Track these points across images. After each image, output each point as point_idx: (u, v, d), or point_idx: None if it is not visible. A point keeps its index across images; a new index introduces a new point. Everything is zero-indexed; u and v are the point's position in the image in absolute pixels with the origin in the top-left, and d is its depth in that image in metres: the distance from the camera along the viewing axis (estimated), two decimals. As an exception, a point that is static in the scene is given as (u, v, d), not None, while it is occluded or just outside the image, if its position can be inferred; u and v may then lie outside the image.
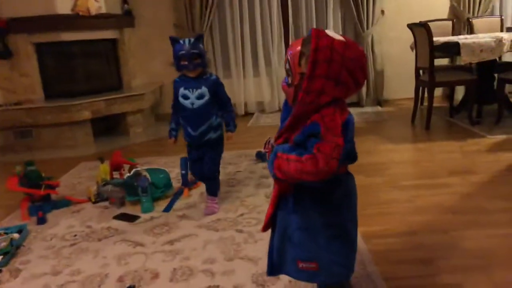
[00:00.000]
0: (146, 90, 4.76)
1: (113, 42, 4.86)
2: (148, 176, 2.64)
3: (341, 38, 1.19)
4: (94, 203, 2.75)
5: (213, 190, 2.56)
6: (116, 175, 3.02)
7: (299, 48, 1.24)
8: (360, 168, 3.07)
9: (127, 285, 1.81)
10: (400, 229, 2.17)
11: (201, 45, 2.36)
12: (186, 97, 2.38)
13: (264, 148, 1.37)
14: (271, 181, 2.91)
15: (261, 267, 1.87)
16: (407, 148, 3.61)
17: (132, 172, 2.66)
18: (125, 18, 4.96)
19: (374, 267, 1.81)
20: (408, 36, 4.57)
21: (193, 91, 2.36)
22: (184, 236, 2.23)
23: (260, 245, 2.07)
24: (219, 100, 2.44)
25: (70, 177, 3.35)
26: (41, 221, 2.50)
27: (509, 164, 2.98)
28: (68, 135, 4.24)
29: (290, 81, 1.29)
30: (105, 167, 2.97)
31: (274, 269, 1.39)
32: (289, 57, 1.27)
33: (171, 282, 1.82)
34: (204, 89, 2.37)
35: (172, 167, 3.26)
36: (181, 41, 2.32)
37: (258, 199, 2.64)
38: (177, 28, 5.20)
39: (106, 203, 2.74)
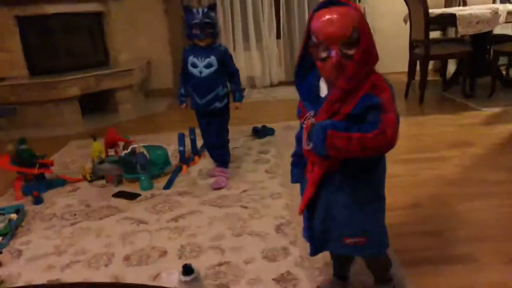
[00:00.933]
0: (134, 66, 4.63)
1: (99, 16, 4.67)
2: (146, 153, 2.57)
3: None
4: (90, 181, 2.68)
5: (221, 160, 2.60)
6: (111, 152, 2.94)
7: (347, 15, 1.13)
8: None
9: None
10: (406, 202, 2.17)
11: (213, 14, 2.35)
12: (194, 65, 2.41)
13: (304, 122, 1.26)
14: (270, 156, 2.90)
15: (270, 242, 1.85)
16: (403, 122, 3.53)
17: (129, 149, 2.59)
18: (110, -10, 4.77)
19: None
20: (399, 9, 4.53)
21: (201, 60, 2.39)
22: (188, 213, 2.19)
23: (266, 220, 2.05)
24: (227, 70, 2.47)
25: (62, 156, 3.25)
26: (38, 201, 2.42)
27: (505, 136, 3.00)
28: (54, 113, 4.10)
29: (353, 51, 1.14)
30: (97, 144, 2.88)
31: (317, 249, 1.35)
32: (332, 29, 1.14)
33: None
34: (212, 58, 2.39)
35: (167, 144, 3.18)
36: (194, 10, 2.32)
37: (259, 175, 2.61)
38: (164, 1, 5.04)
39: (102, 182, 2.66)
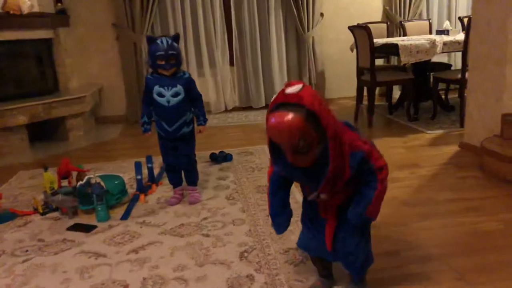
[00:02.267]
0: (86, 93, 4.52)
1: (48, 42, 4.54)
2: (102, 183, 2.50)
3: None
4: (42, 214, 2.56)
5: (193, 180, 2.70)
6: (64, 183, 2.83)
7: (292, 116, 1.23)
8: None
9: None
10: (362, 223, 2.25)
11: (177, 45, 2.39)
12: (161, 95, 2.42)
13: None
14: (229, 182, 2.92)
15: (234, 270, 1.85)
16: (354, 145, 3.74)
17: (84, 180, 2.51)
18: (59, 17, 4.65)
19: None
20: (347, 37, 4.78)
21: (168, 89, 2.42)
22: (148, 243, 2.15)
23: (229, 248, 2.05)
24: (192, 96, 2.52)
25: (10, 188, 3.08)
26: (-15, 237, 2.28)
27: (449, 157, 3.21)
28: (1, 142, 3.90)
29: (304, 148, 1.27)
30: (49, 175, 2.77)
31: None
32: (279, 139, 1.29)
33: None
34: (179, 87, 2.43)
35: (122, 172, 3.13)
36: (158, 41, 2.34)
37: (220, 202, 2.61)
38: (116, 27, 5.00)
39: (56, 214, 2.56)
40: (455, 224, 2.19)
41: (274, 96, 1.30)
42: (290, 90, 1.26)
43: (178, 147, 2.55)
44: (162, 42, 2.33)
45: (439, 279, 1.74)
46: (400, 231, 2.15)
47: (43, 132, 4.40)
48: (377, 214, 1.48)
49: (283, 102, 1.25)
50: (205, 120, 2.63)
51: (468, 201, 2.44)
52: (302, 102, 1.23)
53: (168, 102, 2.41)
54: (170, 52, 2.33)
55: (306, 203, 1.61)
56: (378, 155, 1.43)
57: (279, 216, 1.57)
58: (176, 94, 2.42)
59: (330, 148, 1.27)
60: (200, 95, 2.58)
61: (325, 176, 1.32)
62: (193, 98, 2.53)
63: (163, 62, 2.35)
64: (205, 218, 2.40)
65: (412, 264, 1.85)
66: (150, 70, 2.49)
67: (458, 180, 2.77)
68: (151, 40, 2.38)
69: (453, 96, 4.88)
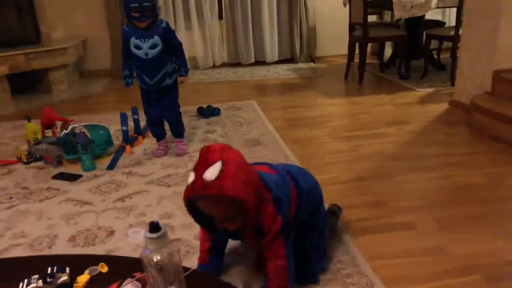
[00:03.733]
0: (69, 44, 4.37)
1: (27, -12, 4.35)
2: (87, 132, 2.46)
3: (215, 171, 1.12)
4: (26, 163, 2.52)
5: (179, 131, 2.66)
6: (48, 133, 2.78)
7: (218, 206, 1.16)
8: (304, 122, 3.16)
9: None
10: (349, 176, 2.26)
11: None
12: (138, 47, 2.33)
13: None
14: (216, 136, 2.89)
15: (220, 218, 1.85)
16: (344, 102, 3.73)
17: (69, 129, 2.46)
18: (40, -38, 4.44)
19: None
20: (340, -8, 4.65)
21: (145, 41, 2.32)
22: (135, 192, 2.14)
23: (216, 197, 2.04)
24: (171, 46, 2.41)
25: (-8, 138, 3.03)
26: (-33, 184, 2.24)
27: (437, 114, 3.21)
28: (-19, 93, 3.81)
29: (234, 223, 1.21)
30: (32, 125, 2.70)
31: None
32: (217, 213, 1.20)
33: (129, 238, 1.74)
34: (156, 39, 2.33)
35: (108, 124, 3.06)
36: None
37: (207, 154, 2.59)
38: (100, -25, 4.79)
39: (40, 163, 2.52)
40: (439, 177, 2.21)
41: (190, 179, 1.15)
42: (209, 175, 1.10)
43: (160, 99, 2.49)
44: None
45: (423, 228, 1.77)
46: (385, 183, 2.16)
47: (26, 84, 4.28)
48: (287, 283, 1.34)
49: (203, 194, 1.13)
50: (187, 71, 2.54)
51: (454, 156, 2.45)
52: (224, 192, 1.10)
53: (146, 54, 2.32)
54: (144, 4, 2.21)
55: None
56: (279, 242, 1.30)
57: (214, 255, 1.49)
58: (153, 46, 2.32)
59: (247, 226, 1.22)
60: (180, 44, 2.47)
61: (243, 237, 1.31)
62: (172, 48, 2.42)
63: (137, 15, 2.24)
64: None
65: (396, 215, 1.87)
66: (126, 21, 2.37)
67: (445, 136, 2.78)
68: None
69: (445, 55, 4.84)
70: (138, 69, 2.41)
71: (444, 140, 2.72)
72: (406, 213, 1.89)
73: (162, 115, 2.56)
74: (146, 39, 2.31)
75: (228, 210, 1.17)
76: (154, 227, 0.88)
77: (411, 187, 2.12)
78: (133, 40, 2.32)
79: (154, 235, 0.88)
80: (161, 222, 0.91)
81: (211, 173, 1.10)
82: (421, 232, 1.75)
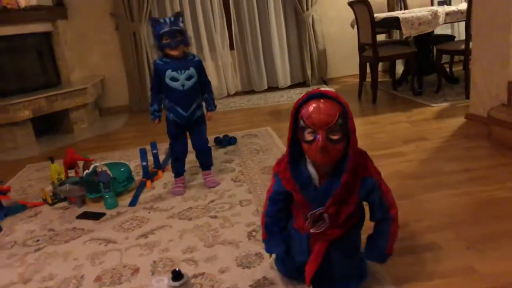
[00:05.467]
0: (88, 84, 4.52)
1: (47, 35, 4.53)
2: (108, 170, 2.51)
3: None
4: (51, 205, 2.59)
5: (208, 163, 2.67)
6: (70, 173, 2.85)
7: (333, 106, 1.28)
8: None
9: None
10: (370, 198, 2.24)
11: (180, 23, 2.35)
12: (175, 79, 2.38)
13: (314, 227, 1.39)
14: (234, 165, 2.92)
15: (243, 249, 1.86)
16: (359, 122, 3.73)
17: (91, 168, 2.53)
18: (57, 10, 4.64)
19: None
20: (346, 15, 4.72)
21: (182, 72, 2.38)
22: (157, 228, 2.16)
23: (237, 228, 2.06)
24: (202, 80, 2.48)
25: (18, 181, 3.11)
26: (-4, 229, 2.31)
27: (455, 128, 3.18)
28: (7, 137, 3.93)
29: (338, 137, 1.28)
30: (56, 166, 2.78)
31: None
32: (320, 116, 1.28)
33: (154, 275, 1.76)
34: (192, 70, 2.40)
35: (127, 160, 3.15)
36: (161, 20, 2.31)
37: (226, 184, 2.62)
38: (114, 17, 4.98)
39: (64, 204, 2.58)
40: (463, 193, 2.18)
41: (305, 93, 1.34)
42: (326, 88, 1.32)
43: (192, 131, 2.53)
44: (165, 20, 2.30)
45: (449, 248, 1.73)
46: (407, 204, 2.14)
47: (49, 126, 4.43)
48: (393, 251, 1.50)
49: (321, 93, 1.29)
50: (215, 106, 2.61)
51: (475, 171, 2.42)
52: (339, 99, 1.29)
53: (183, 85, 2.37)
54: (174, 27, 2.28)
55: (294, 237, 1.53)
56: (388, 189, 1.44)
57: (274, 237, 1.55)
58: (189, 77, 2.39)
59: (349, 155, 1.30)
60: (209, 81, 2.56)
61: (334, 192, 1.33)
62: (203, 83, 2.49)
63: (168, 40, 2.30)
64: (212, 201, 2.40)
65: (422, 235, 1.85)
66: (159, 54, 2.43)
67: (465, 150, 2.75)
68: (155, 21, 2.35)
69: (457, 68, 4.82)
70: (172, 102, 2.43)
71: (464, 154, 2.69)
72: (430, 233, 1.86)
73: (194, 147, 2.58)
74: (183, 70, 2.37)
75: (338, 116, 1.26)
76: (176, 275, 0.90)
77: (433, 206, 2.09)
78: (169, 73, 2.37)
79: (177, 284, 0.90)
80: (183, 268, 0.93)
81: (327, 88, 1.32)
82: (447, 252, 1.71)
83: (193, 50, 5.13)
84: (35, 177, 3.16)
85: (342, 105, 1.28)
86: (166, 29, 2.28)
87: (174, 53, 2.35)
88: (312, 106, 1.27)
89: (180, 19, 2.38)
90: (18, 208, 2.55)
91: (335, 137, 1.27)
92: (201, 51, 5.21)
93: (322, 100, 1.28)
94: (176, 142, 2.55)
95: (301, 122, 1.30)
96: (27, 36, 4.31)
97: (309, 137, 1.28)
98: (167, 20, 2.31)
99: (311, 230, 1.38)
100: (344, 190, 1.32)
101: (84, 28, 4.97)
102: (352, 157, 1.30)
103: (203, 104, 2.57)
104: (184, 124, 2.48)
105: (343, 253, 1.44)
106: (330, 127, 1.26)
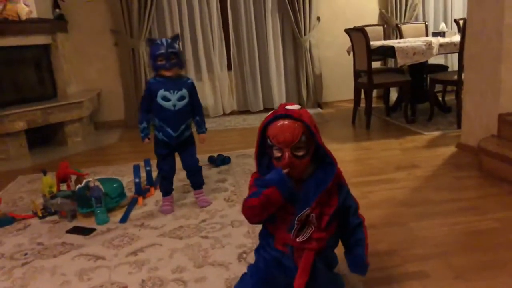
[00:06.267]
0: (84, 98, 4.53)
1: (46, 48, 4.56)
2: (101, 186, 2.51)
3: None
4: (41, 218, 2.57)
5: (199, 182, 2.67)
6: (62, 186, 2.84)
7: (296, 126, 1.40)
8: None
9: None
10: (360, 223, 2.26)
11: (177, 45, 2.39)
12: (166, 99, 2.40)
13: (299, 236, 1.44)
14: (227, 185, 2.92)
15: (233, 271, 1.85)
16: (352, 147, 3.77)
17: (83, 183, 2.52)
18: (57, 23, 4.69)
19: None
20: (343, 41, 4.81)
21: (174, 93, 2.41)
22: (147, 246, 2.15)
23: (228, 249, 2.05)
24: (193, 103, 2.52)
25: (9, 193, 3.09)
26: (-16, 241, 2.28)
27: (446, 157, 3.22)
28: (0, 148, 3.92)
29: (302, 153, 1.41)
30: (48, 179, 2.77)
31: None
32: (284, 136, 1.40)
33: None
34: (184, 91, 2.44)
35: (120, 176, 3.15)
36: (158, 41, 2.36)
37: (218, 204, 2.62)
38: (114, 33, 5.03)
39: (55, 217, 2.56)
40: (452, 223, 2.20)
41: (270, 112, 1.47)
42: (291, 107, 1.42)
43: (181, 151, 2.55)
44: (161, 42, 2.35)
45: (438, 277, 1.75)
46: (397, 231, 2.16)
47: (42, 137, 4.41)
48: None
49: (285, 114, 1.40)
50: (206, 129, 2.64)
51: (465, 201, 2.45)
52: (302, 118, 1.40)
53: (174, 106, 2.40)
54: (169, 50, 2.33)
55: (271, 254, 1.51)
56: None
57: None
58: (181, 98, 2.42)
59: (334, 163, 1.46)
60: (201, 104, 2.60)
61: (320, 192, 1.42)
62: (194, 105, 2.52)
63: (163, 62, 2.34)
64: (203, 220, 2.40)
65: (410, 263, 1.86)
66: (153, 73, 2.47)
67: (455, 180, 2.79)
68: (152, 42, 2.39)
69: (450, 98, 4.91)
70: (162, 122, 2.44)
71: (454, 184, 2.72)
72: (419, 261, 1.87)
73: (184, 167, 2.59)
74: (176, 91, 2.40)
75: (301, 134, 1.38)
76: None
77: (424, 234, 2.11)
78: (162, 92, 2.39)
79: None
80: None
81: (292, 106, 1.43)
82: (435, 281, 1.72)
83: (191, 70, 5.21)
84: (26, 189, 3.14)
85: (304, 123, 1.40)
86: (162, 50, 2.33)
87: (168, 74, 2.39)
88: (277, 127, 1.41)
89: (177, 41, 2.43)
90: (8, 220, 2.52)
91: (300, 153, 1.41)
92: (199, 71, 5.27)
93: (286, 121, 1.40)
94: (164, 161, 2.55)
95: (268, 141, 1.43)
96: (26, 48, 4.33)
97: (277, 153, 1.43)
98: (164, 41, 2.35)
99: (297, 239, 1.42)
100: (326, 193, 1.43)
101: (83, 42, 5.01)
102: (336, 164, 1.46)
103: (192, 125, 2.59)
104: (173, 144, 2.49)
105: (326, 265, 1.49)
106: (295, 145, 1.39)
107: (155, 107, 2.43)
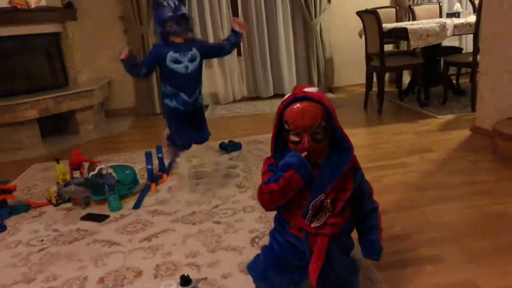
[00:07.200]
0: (95, 86, 4.55)
1: (56, 36, 4.58)
2: (114, 173, 2.53)
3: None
4: (56, 205, 2.60)
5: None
6: (76, 174, 2.87)
7: (315, 110, 1.32)
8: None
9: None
10: (373, 208, 2.24)
11: (184, 8, 2.24)
12: (178, 62, 2.25)
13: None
14: (238, 171, 2.92)
15: (246, 255, 1.86)
16: (364, 131, 3.74)
17: (96, 170, 2.54)
18: (66, 11, 4.68)
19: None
20: (354, 24, 4.73)
21: (185, 54, 2.25)
22: (160, 231, 2.17)
23: (241, 234, 2.06)
24: (213, 49, 2.47)
25: (23, 181, 3.13)
26: (1, 228, 2.32)
27: (460, 141, 3.18)
28: (13, 137, 3.96)
29: (321, 137, 1.34)
30: (61, 167, 2.80)
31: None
32: (303, 120, 1.32)
33: (156, 278, 1.77)
34: (194, 51, 2.29)
35: (132, 163, 3.17)
36: (165, 3, 2.18)
37: (230, 190, 2.62)
38: (123, 20, 5.02)
39: (69, 205, 2.60)
40: (466, 207, 2.18)
41: (288, 95, 1.38)
42: (309, 89, 1.36)
43: (196, 120, 2.41)
44: (169, 3, 2.17)
45: (451, 261, 1.73)
46: (411, 215, 2.14)
47: (55, 126, 4.45)
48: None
49: (305, 97, 1.34)
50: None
51: (479, 184, 2.42)
52: (323, 101, 1.33)
53: (187, 68, 2.25)
54: (179, 12, 2.17)
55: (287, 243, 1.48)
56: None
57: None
58: (193, 59, 2.26)
59: (351, 147, 1.38)
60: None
61: (335, 177, 1.36)
62: (214, 47, 2.44)
63: (173, 26, 2.18)
64: (216, 206, 2.41)
65: (424, 247, 1.85)
66: (161, 40, 2.29)
67: (469, 163, 2.75)
68: (158, 4, 2.21)
69: (464, 80, 4.83)
70: (175, 88, 2.30)
71: (469, 167, 2.69)
72: (433, 245, 1.86)
73: (196, 142, 2.50)
74: (186, 52, 2.25)
75: (321, 119, 1.31)
76: (185, 280, 0.91)
77: (437, 218, 2.09)
78: (172, 54, 2.23)
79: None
80: (185, 272, 0.93)
81: (311, 89, 1.36)
82: (449, 265, 1.71)
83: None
84: (40, 177, 3.18)
85: (324, 106, 1.33)
86: (171, 13, 2.16)
87: (178, 40, 2.24)
88: (295, 111, 1.33)
89: (184, 3, 2.26)
90: (23, 207, 2.56)
91: (319, 137, 1.34)
92: (209, 56, 5.23)
93: (305, 103, 1.33)
94: (179, 134, 2.42)
95: (286, 126, 1.36)
96: (36, 36, 4.34)
97: (294, 138, 1.36)
98: (171, 3, 2.18)
99: (312, 225, 1.39)
100: (342, 178, 1.38)
101: (92, 30, 5.00)
102: (352, 148, 1.39)
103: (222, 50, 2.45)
104: (190, 111, 2.35)
105: (342, 250, 1.46)
106: (314, 128, 1.33)
107: (166, 73, 2.27)
